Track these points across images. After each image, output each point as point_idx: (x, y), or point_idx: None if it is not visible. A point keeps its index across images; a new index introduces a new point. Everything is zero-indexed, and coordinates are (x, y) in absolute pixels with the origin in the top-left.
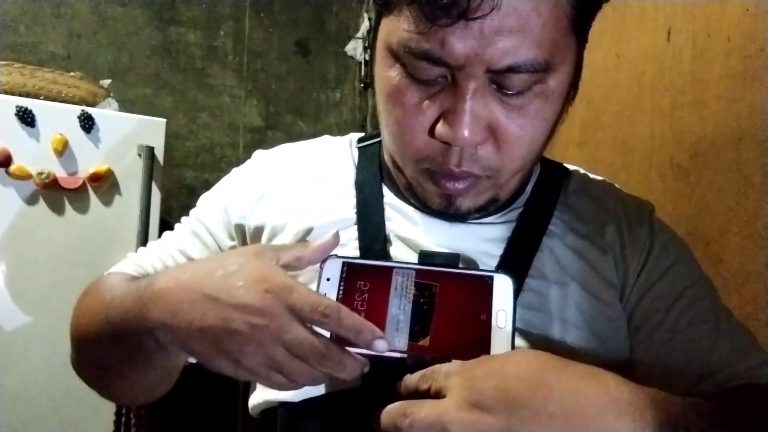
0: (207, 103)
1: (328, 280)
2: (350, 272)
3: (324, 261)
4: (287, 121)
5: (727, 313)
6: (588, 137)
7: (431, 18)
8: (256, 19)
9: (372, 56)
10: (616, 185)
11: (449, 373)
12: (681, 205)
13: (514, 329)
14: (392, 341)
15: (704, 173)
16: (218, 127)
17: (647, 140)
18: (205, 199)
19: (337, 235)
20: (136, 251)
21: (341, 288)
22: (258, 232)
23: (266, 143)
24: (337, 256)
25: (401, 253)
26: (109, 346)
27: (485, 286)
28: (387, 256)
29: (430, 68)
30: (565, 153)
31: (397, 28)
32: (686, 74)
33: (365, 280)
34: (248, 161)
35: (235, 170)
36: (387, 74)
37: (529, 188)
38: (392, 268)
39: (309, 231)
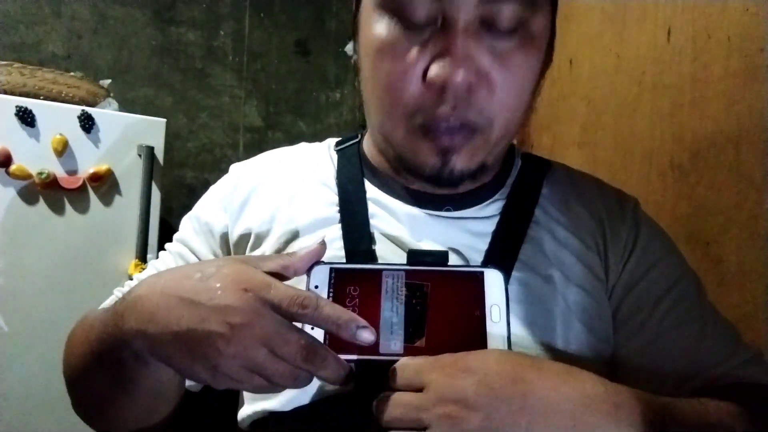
0: (207, 103)
1: (316, 287)
2: (339, 278)
3: (310, 268)
4: (287, 121)
5: (712, 311)
6: (588, 137)
7: None
8: (256, 19)
9: (355, 31)
10: (599, 179)
11: (423, 369)
12: (681, 205)
13: (509, 323)
14: (388, 345)
15: (704, 173)
16: (218, 127)
17: (647, 140)
18: (186, 220)
19: (323, 243)
20: (136, 251)
21: (331, 294)
22: (243, 239)
23: (266, 143)
24: (323, 263)
25: (387, 251)
26: (95, 373)
27: (476, 282)
28: (372, 255)
29: (420, 4)
30: (565, 153)
31: None
32: (686, 74)
33: (355, 285)
34: (225, 176)
35: (212, 187)
36: (375, 30)
37: (510, 180)
38: (381, 270)
39: (293, 233)
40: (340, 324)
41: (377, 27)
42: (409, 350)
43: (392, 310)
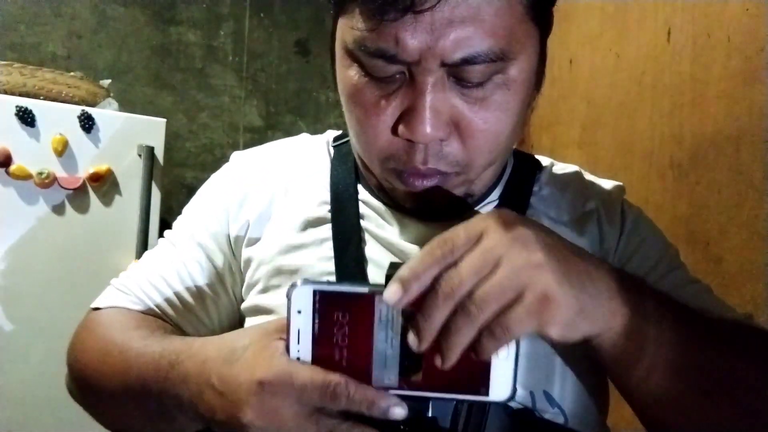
0: (207, 103)
1: (299, 312)
2: (324, 302)
3: (291, 289)
4: (287, 121)
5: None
6: (588, 137)
7: (380, 13)
8: (256, 19)
9: (332, 57)
10: (585, 172)
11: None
12: (681, 205)
13: (517, 359)
14: (381, 378)
15: (704, 173)
16: (218, 127)
17: (647, 140)
18: (191, 220)
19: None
20: (136, 251)
21: (316, 322)
22: (241, 231)
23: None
24: (306, 281)
25: (376, 253)
26: (128, 399)
27: None
28: (362, 257)
29: (386, 66)
30: (566, 153)
31: (351, 27)
32: (686, 74)
33: (344, 311)
34: (226, 165)
35: (214, 176)
36: (346, 74)
37: (502, 183)
38: (373, 294)
39: (287, 228)
40: (372, 408)
41: (348, 71)
42: (405, 384)
43: (386, 341)
